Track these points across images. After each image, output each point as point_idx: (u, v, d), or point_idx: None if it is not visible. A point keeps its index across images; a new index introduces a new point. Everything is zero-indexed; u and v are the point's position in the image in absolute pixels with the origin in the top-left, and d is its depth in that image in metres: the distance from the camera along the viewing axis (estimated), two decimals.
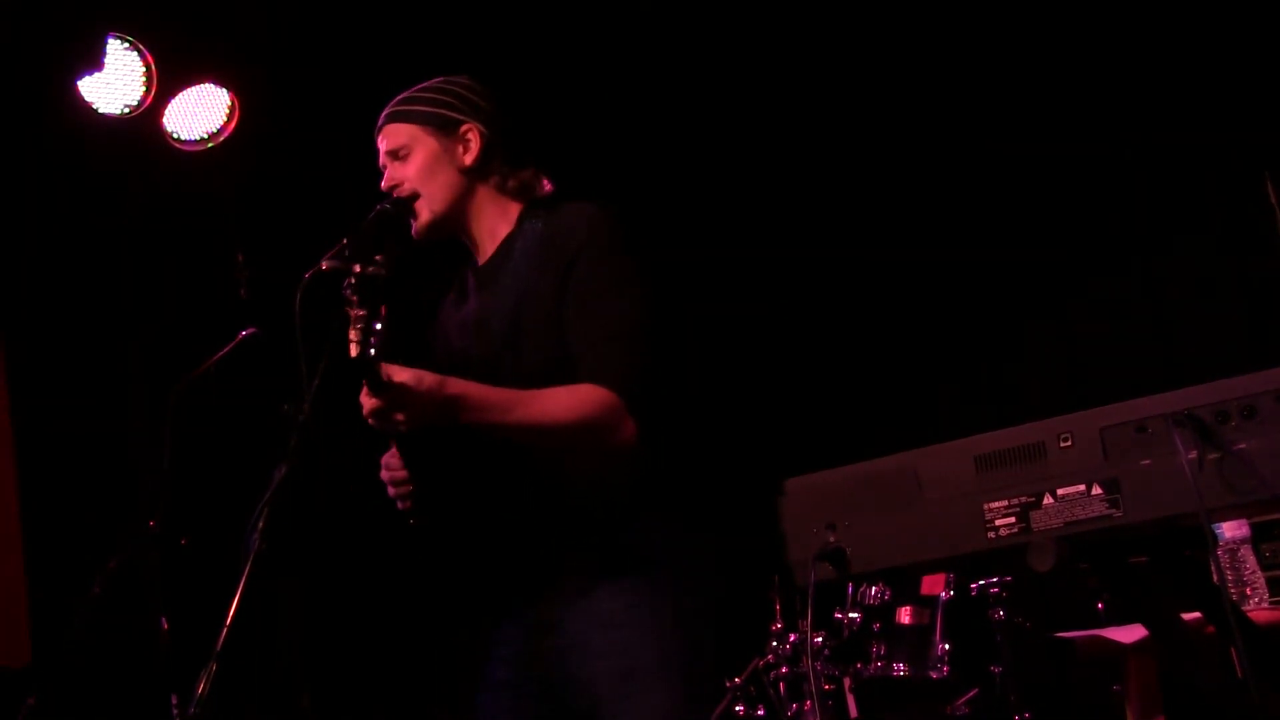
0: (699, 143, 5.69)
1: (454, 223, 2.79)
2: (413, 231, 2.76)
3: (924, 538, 2.38)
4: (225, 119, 4.97)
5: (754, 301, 5.77)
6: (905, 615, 4.16)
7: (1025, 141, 5.27)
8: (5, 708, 4.09)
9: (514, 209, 2.78)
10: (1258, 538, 3.67)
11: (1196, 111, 4.93)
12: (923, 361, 5.70)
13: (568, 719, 2.60)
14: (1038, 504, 2.27)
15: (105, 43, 4.64)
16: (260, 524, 2.32)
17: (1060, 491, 2.26)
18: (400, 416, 2.41)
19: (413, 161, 2.76)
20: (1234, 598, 3.55)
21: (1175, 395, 2.22)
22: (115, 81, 4.75)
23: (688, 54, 5.53)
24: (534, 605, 2.64)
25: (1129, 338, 5.12)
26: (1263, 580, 3.65)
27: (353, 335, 2.31)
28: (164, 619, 3.91)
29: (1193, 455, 2.15)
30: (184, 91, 4.89)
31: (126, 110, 4.79)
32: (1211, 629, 2.71)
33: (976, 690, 4.12)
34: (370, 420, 2.44)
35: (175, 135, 4.93)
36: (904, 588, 4.21)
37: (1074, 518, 2.24)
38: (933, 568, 3.64)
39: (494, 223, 2.78)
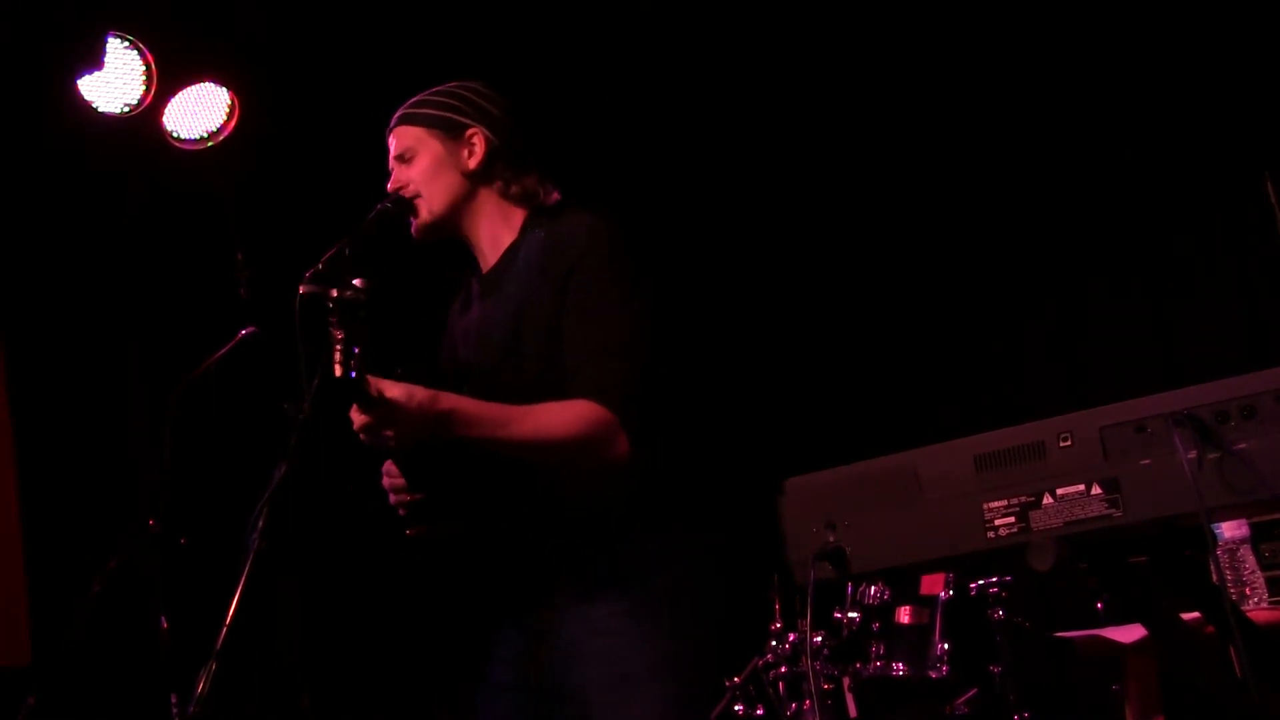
0: (699, 143, 5.69)
1: (454, 225, 2.80)
2: (412, 231, 2.77)
3: (923, 537, 2.38)
4: (225, 118, 4.96)
5: (754, 301, 5.78)
6: (905, 615, 4.16)
7: (1025, 141, 5.27)
8: (5, 707, 4.09)
9: (517, 216, 2.79)
10: (1257, 538, 3.67)
11: (1196, 111, 4.93)
12: (923, 361, 5.70)
13: None
14: (1037, 504, 2.27)
15: (105, 42, 4.64)
16: (260, 523, 2.32)
17: (1060, 491, 2.26)
18: (390, 433, 2.41)
19: (417, 164, 2.78)
20: (1233, 598, 3.55)
21: (1175, 395, 2.22)
22: (115, 80, 4.75)
23: (688, 54, 5.53)
24: (532, 612, 2.65)
25: (1129, 338, 5.12)
26: (1262, 580, 3.65)
27: (336, 356, 2.33)
28: (164, 618, 3.91)
29: (1192, 455, 2.15)
30: (184, 90, 4.89)
31: (126, 109, 4.79)
32: (1211, 629, 2.71)
33: (976, 690, 4.12)
34: (362, 436, 2.44)
35: (175, 134, 4.92)
36: (903, 587, 4.22)
37: (1073, 517, 2.24)
38: (932, 567, 3.64)
39: (497, 229, 2.79)
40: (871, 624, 4.19)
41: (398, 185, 2.78)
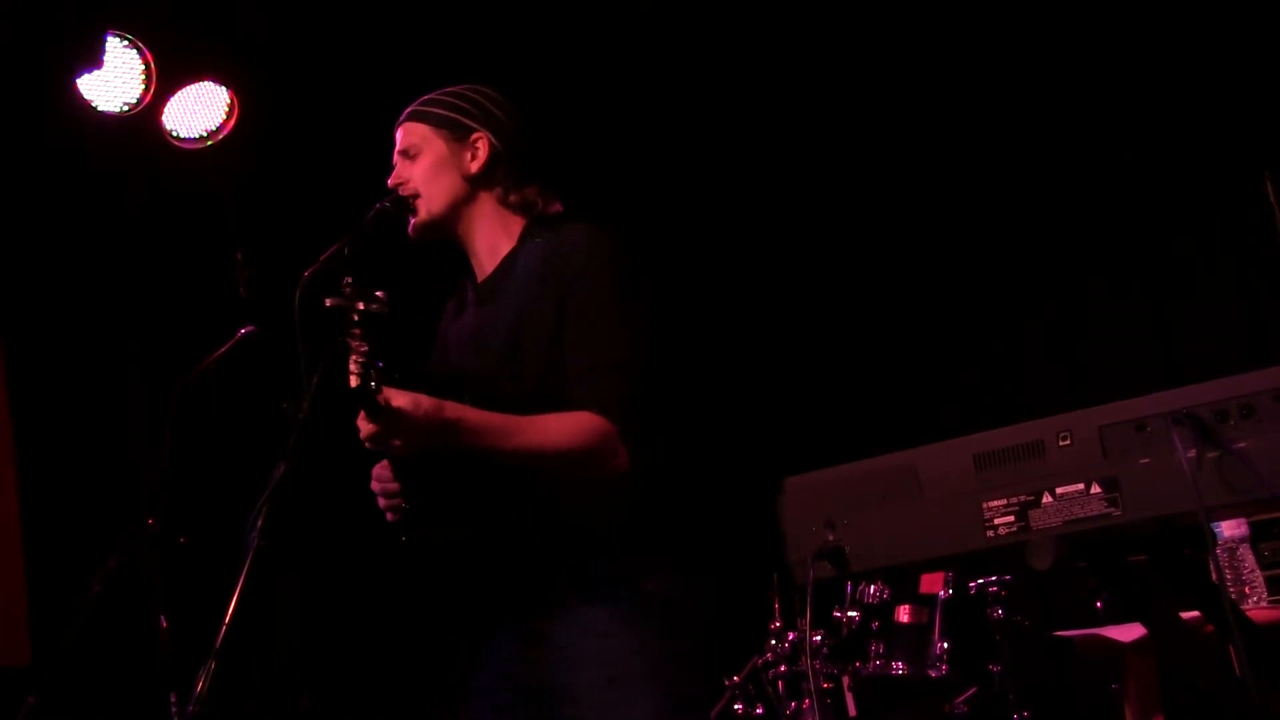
0: (700, 143, 5.69)
1: (451, 227, 2.81)
2: (409, 230, 2.78)
3: (923, 536, 2.38)
4: (224, 117, 4.96)
5: (754, 301, 5.78)
6: (904, 614, 4.16)
7: (1025, 141, 5.27)
8: (5, 707, 4.09)
9: (516, 225, 2.80)
10: (1256, 537, 3.68)
11: (1196, 111, 4.93)
12: (922, 360, 5.70)
13: None
14: (1037, 503, 2.27)
15: (104, 41, 4.64)
16: (260, 522, 2.32)
17: (1059, 490, 2.26)
18: (397, 441, 2.43)
19: (420, 162, 2.79)
20: (1233, 596, 3.55)
21: (1174, 394, 2.22)
22: (114, 79, 4.75)
23: (688, 54, 5.53)
24: (523, 617, 2.66)
25: (1128, 337, 5.12)
26: (1261, 579, 3.65)
27: (353, 367, 2.34)
28: (163, 618, 3.90)
29: (1192, 454, 2.15)
30: (183, 89, 4.89)
31: (126, 108, 4.79)
32: (1210, 628, 2.71)
33: (975, 689, 4.12)
34: (367, 444, 2.46)
35: (174, 133, 4.92)
36: (903, 586, 4.21)
37: (1073, 516, 2.24)
38: (932, 566, 3.65)
39: (495, 236, 2.80)
40: (871, 623, 4.19)
41: (398, 180, 2.80)
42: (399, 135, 2.84)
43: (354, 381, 2.33)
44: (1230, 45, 4.86)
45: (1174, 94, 4.98)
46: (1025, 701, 3.95)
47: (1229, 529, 3.67)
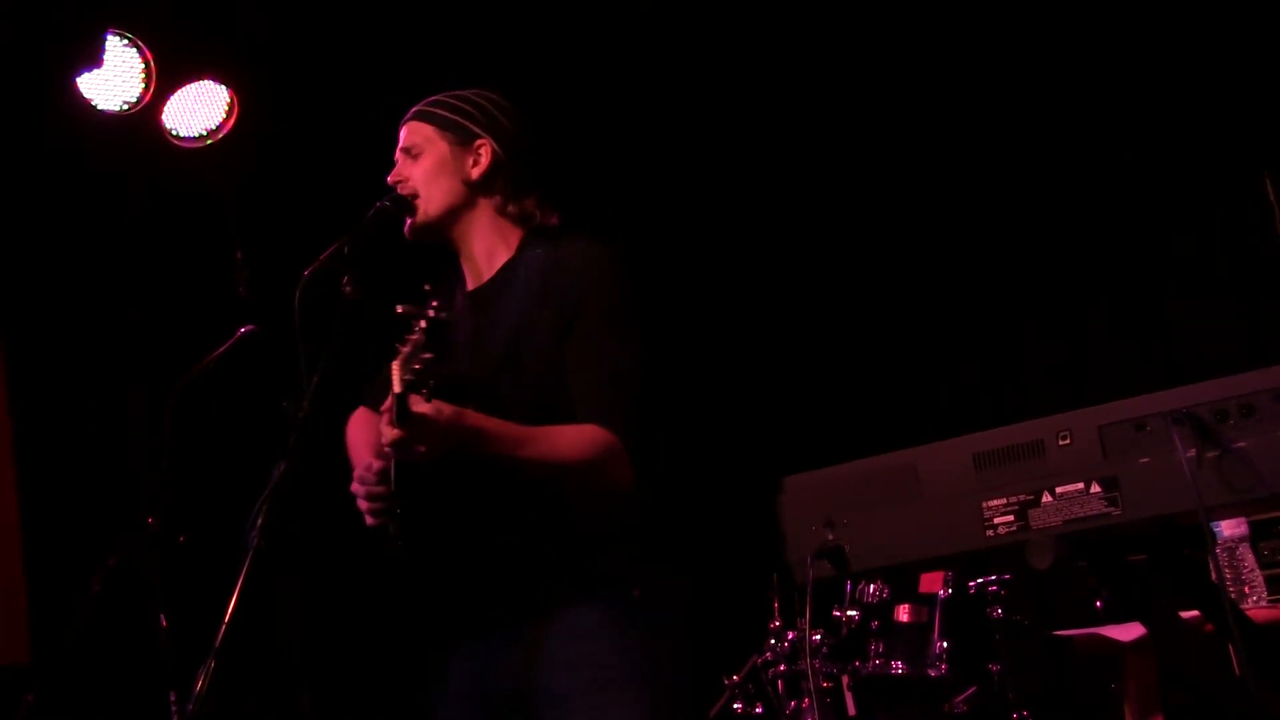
0: (700, 143, 5.68)
1: (446, 231, 2.82)
2: (405, 229, 2.78)
3: (923, 535, 2.39)
4: (224, 116, 4.96)
5: (754, 299, 5.77)
6: (904, 613, 4.15)
7: (1025, 141, 5.26)
8: (5, 706, 4.09)
9: (514, 235, 2.81)
10: (1256, 536, 3.68)
11: (1196, 111, 4.93)
12: (922, 359, 5.70)
13: None
14: (1036, 502, 2.28)
15: (104, 39, 4.64)
16: (259, 521, 2.33)
17: (1059, 489, 2.26)
18: (422, 447, 2.43)
19: (421, 162, 2.80)
20: (1232, 596, 3.56)
21: (1174, 394, 2.22)
22: (114, 78, 4.74)
23: (688, 54, 5.53)
24: (515, 620, 2.66)
25: (1128, 337, 5.12)
26: (1261, 578, 3.65)
27: (400, 371, 2.32)
28: (163, 617, 3.91)
29: (1191, 453, 2.15)
30: (183, 88, 4.88)
31: (125, 107, 4.79)
32: (1210, 627, 2.72)
33: (975, 688, 4.12)
34: (390, 450, 2.45)
35: (174, 132, 4.92)
36: (902, 585, 4.21)
37: (1073, 516, 2.24)
38: (931, 565, 3.64)
39: (491, 245, 2.80)
40: (871, 622, 4.18)
41: (398, 178, 2.81)
42: (403, 132, 2.84)
43: (398, 386, 2.32)
44: (1230, 45, 4.85)
45: (1174, 94, 4.97)
46: (1025, 701, 3.94)
47: (1229, 528, 3.67)
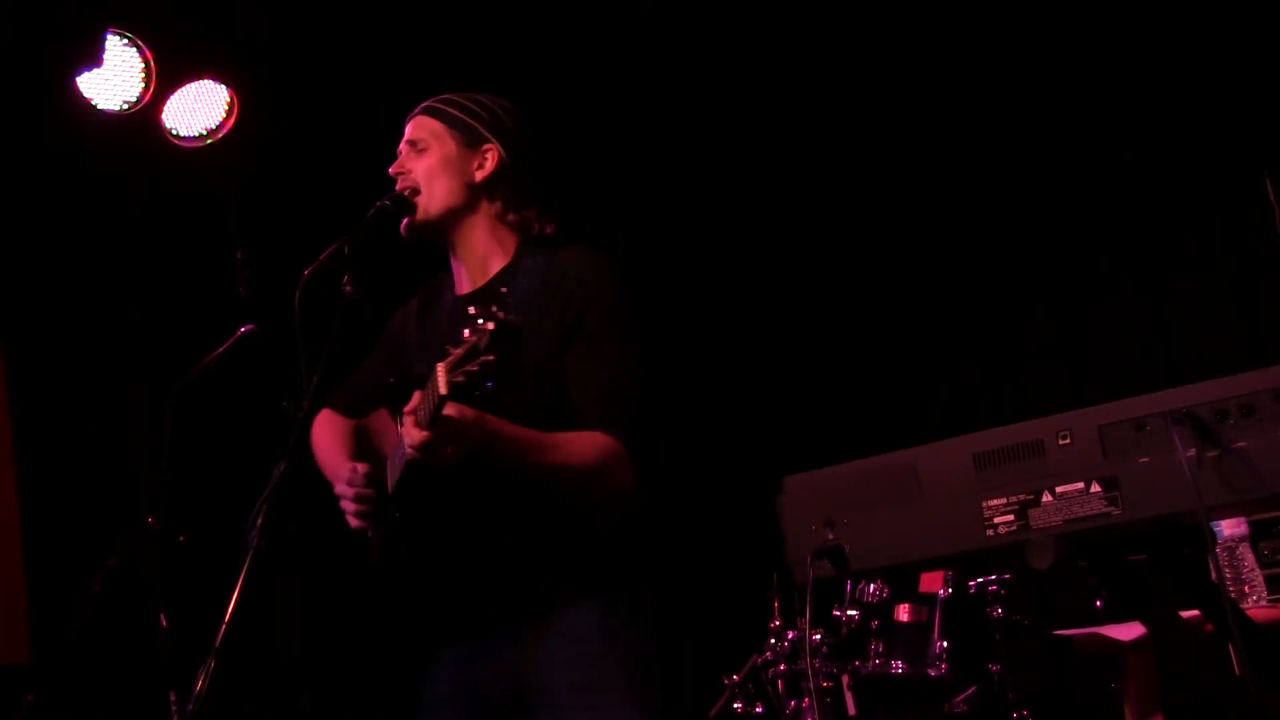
0: (700, 143, 5.68)
1: (445, 231, 2.82)
2: (402, 227, 2.77)
3: (923, 535, 2.39)
4: (224, 115, 4.96)
5: (754, 299, 5.77)
6: (904, 613, 4.15)
7: (1025, 141, 5.26)
8: (5, 705, 4.09)
9: (511, 242, 2.81)
10: (1256, 535, 3.68)
11: (1196, 111, 4.92)
12: (922, 360, 5.70)
13: None
14: (1036, 502, 2.28)
15: (104, 39, 4.64)
16: (259, 521, 2.32)
17: (1059, 489, 2.26)
18: (449, 451, 2.42)
19: (426, 157, 2.79)
20: (1232, 596, 3.55)
21: (1174, 393, 2.22)
22: (114, 78, 4.74)
23: (688, 54, 5.53)
24: (504, 620, 2.67)
25: (1128, 336, 5.12)
26: (1261, 578, 3.65)
27: (447, 373, 2.27)
28: (163, 616, 3.91)
29: (1191, 453, 2.15)
30: (183, 88, 4.88)
31: (125, 107, 4.79)
32: (1210, 627, 2.72)
33: (975, 688, 4.12)
34: (416, 452, 2.43)
35: (174, 132, 4.92)
36: (902, 585, 4.21)
37: (1073, 515, 2.24)
38: (931, 565, 3.64)
39: (487, 250, 2.81)
40: (870, 622, 4.18)
41: (400, 170, 2.80)
42: (410, 126, 2.84)
43: (443, 386, 2.27)
44: (1230, 45, 4.85)
45: (1174, 94, 4.97)
46: (1025, 701, 3.94)
47: (1228, 528, 3.67)
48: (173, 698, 3.76)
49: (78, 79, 4.64)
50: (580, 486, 2.60)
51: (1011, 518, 2.29)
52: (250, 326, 3.87)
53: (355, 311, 2.66)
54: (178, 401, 3.90)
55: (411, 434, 2.42)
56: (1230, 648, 2.39)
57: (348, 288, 2.60)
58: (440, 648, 2.77)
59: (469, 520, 2.65)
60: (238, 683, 2.32)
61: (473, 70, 2.99)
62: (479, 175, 2.78)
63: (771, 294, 5.79)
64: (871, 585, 4.21)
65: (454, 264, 2.85)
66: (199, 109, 4.94)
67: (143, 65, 4.77)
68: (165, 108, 4.87)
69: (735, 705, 4.42)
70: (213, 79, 4.92)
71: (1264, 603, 3.63)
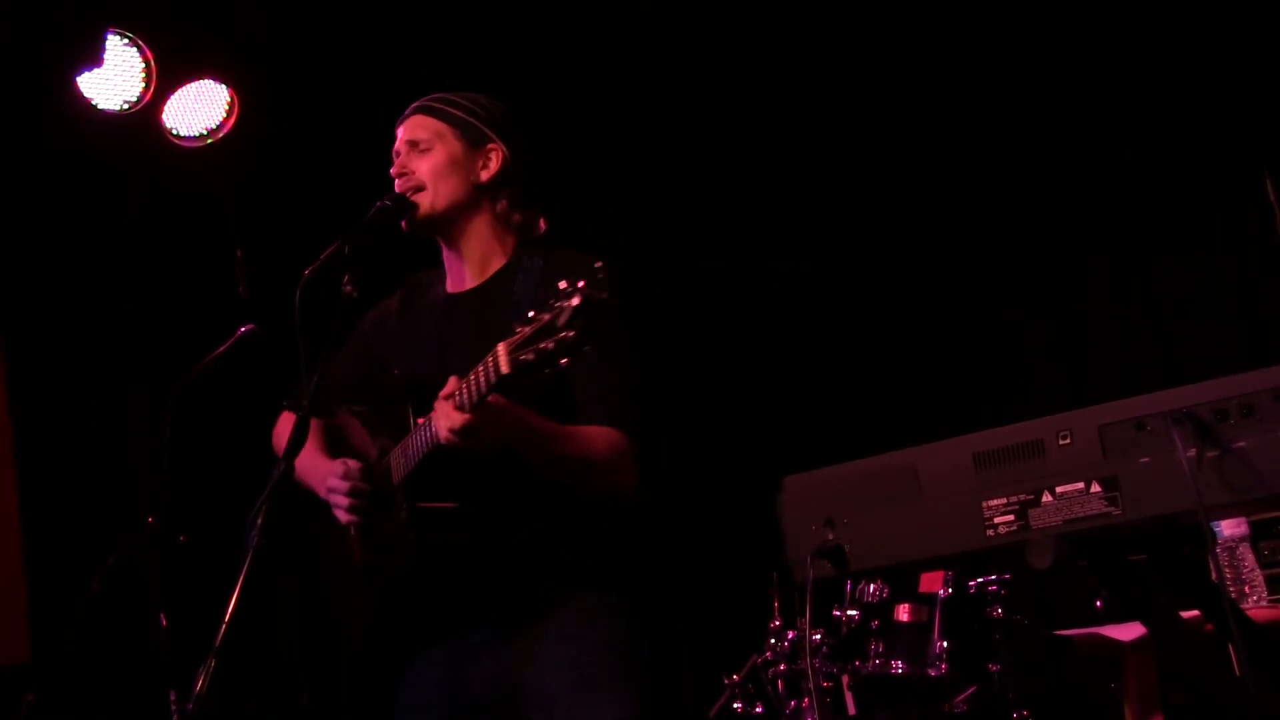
0: (700, 143, 5.68)
1: (446, 229, 2.82)
2: (403, 223, 2.77)
3: (923, 535, 2.39)
4: (225, 115, 4.95)
5: (754, 299, 5.77)
6: (904, 613, 4.15)
7: (1025, 141, 5.26)
8: (5, 706, 4.09)
9: (509, 243, 2.82)
10: (1256, 535, 3.68)
11: (1196, 111, 4.92)
12: (922, 360, 5.70)
13: None
14: (1036, 502, 2.28)
15: (104, 39, 4.64)
16: (259, 520, 2.32)
17: (1059, 489, 2.26)
18: (486, 436, 2.43)
19: (430, 157, 2.79)
20: (1232, 596, 3.55)
21: (1174, 393, 2.22)
22: (114, 78, 4.74)
23: (688, 54, 5.53)
24: (503, 619, 2.67)
25: (1129, 337, 5.12)
26: (1261, 578, 3.65)
27: (510, 351, 2.23)
28: (163, 616, 3.91)
29: (1191, 453, 2.15)
30: (183, 88, 4.88)
31: (126, 106, 4.79)
32: (1210, 627, 2.72)
33: (975, 688, 4.12)
34: (453, 436, 2.41)
35: (175, 132, 4.92)
36: (902, 585, 4.21)
37: (1073, 515, 2.24)
38: (931, 565, 3.65)
39: (487, 250, 2.81)
40: (871, 622, 4.18)
41: (403, 170, 2.80)
42: (407, 127, 2.83)
43: (505, 368, 2.23)
44: (1230, 45, 4.85)
45: (1174, 94, 4.97)
46: (1025, 701, 3.94)
47: (1229, 528, 3.67)
48: (173, 697, 3.75)
49: (78, 79, 4.64)
50: (593, 479, 2.62)
51: (1011, 518, 2.29)
52: (250, 326, 3.87)
53: (355, 311, 2.66)
54: (178, 401, 3.90)
55: (451, 417, 2.39)
56: (1230, 648, 2.39)
57: (348, 288, 2.60)
58: (418, 650, 2.76)
59: (482, 513, 2.65)
60: (238, 683, 2.32)
61: (472, 70, 2.99)
62: (484, 175, 2.79)
63: (771, 294, 5.79)
64: (871, 585, 4.21)
65: (451, 262, 2.85)
66: (199, 109, 4.94)
67: (143, 65, 4.77)
68: (165, 107, 4.87)
69: (735, 705, 4.42)
70: (213, 79, 4.91)
71: (1264, 603, 3.63)
